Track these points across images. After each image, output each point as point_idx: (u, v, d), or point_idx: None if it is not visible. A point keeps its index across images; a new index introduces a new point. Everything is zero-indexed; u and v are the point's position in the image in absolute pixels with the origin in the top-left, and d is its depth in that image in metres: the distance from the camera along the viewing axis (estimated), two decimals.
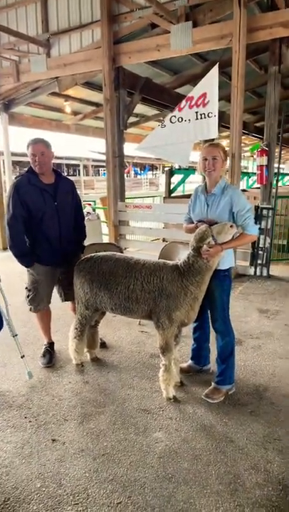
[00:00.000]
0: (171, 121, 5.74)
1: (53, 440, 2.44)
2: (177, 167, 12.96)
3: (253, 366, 3.29)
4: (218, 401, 2.79)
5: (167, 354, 2.76)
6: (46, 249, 3.10)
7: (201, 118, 5.53)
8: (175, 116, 5.71)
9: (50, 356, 3.38)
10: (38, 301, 3.24)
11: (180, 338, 2.96)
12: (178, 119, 5.70)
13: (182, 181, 8.82)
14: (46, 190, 3.05)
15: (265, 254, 5.69)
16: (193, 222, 2.83)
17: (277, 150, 5.97)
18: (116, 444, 2.40)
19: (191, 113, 5.59)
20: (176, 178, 9.19)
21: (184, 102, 5.63)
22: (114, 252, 3.11)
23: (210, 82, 5.42)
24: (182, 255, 3.84)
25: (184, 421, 2.60)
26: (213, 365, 3.13)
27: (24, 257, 3.09)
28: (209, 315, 2.90)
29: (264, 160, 5.35)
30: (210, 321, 2.92)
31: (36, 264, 3.13)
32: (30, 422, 2.62)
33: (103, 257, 2.96)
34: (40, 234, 3.08)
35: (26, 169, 3.13)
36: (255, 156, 5.58)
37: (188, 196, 3.72)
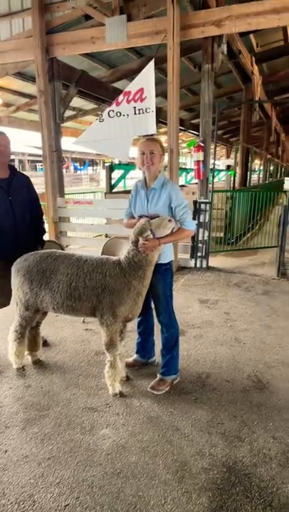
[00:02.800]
0: (109, 116, 5.68)
1: None
2: (117, 162, 12.89)
3: (195, 355, 3.39)
4: (163, 392, 2.84)
5: (112, 350, 2.74)
6: (0, 246, 2.99)
7: (140, 113, 5.55)
8: (113, 111, 5.66)
9: None
10: None
11: (125, 333, 2.95)
12: (116, 114, 5.66)
13: (123, 177, 8.78)
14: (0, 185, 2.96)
15: (204, 246, 5.89)
16: (134, 217, 2.84)
17: (212, 146, 6.19)
18: (62, 446, 2.34)
19: (129, 108, 5.58)
20: (117, 174, 9.15)
21: (121, 97, 5.60)
22: (54, 250, 3.01)
23: (146, 77, 5.45)
24: (126, 250, 3.85)
25: (130, 415, 2.61)
26: (158, 357, 3.18)
27: None
28: (153, 308, 2.93)
29: (200, 156, 5.52)
30: (154, 314, 2.96)
31: None
32: None
33: (42, 255, 2.85)
34: None
35: None
36: (192, 152, 5.73)
37: (130, 192, 3.66)
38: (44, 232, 3.37)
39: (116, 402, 2.74)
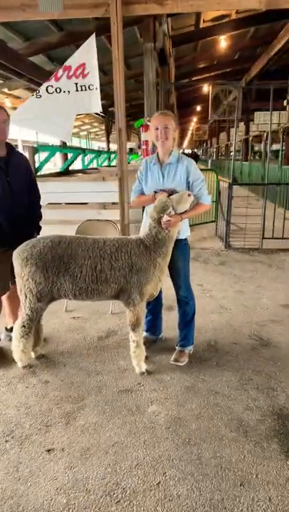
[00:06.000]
0: (48, 91, 5.30)
1: (48, 450, 2.14)
2: (21, 145, 11.99)
3: (195, 325, 3.53)
4: (185, 362, 2.94)
5: (138, 329, 2.72)
6: None
7: (82, 90, 5.31)
8: (52, 86, 5.28)
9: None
10: None
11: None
12: (56, 90, 5.31)
13: (48, 159, 8.27)
14: None
15: None
16: (144, 194, 2.81)
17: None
18: (118, 430, 2.28)
19: (70, 84, 5.28)
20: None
21: (60, 71, 5.26)
22: (58, 234, 2.79)
23: (87, 52, 5.21)
24: (106, 232, 3.76)
25: (167, 388, 2.65)
26: (167, 334, 3.26)
27: None
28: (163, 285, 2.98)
29: (148, 135, 5.55)
30: (163, 290, 3.01)
31: None
32: (7, 441, 2.21)
33: (53, 240, 2.63)
34: None
35: None
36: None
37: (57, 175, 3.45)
38: (40, 217, 3.10)
39: (147, 380, 2.75)
